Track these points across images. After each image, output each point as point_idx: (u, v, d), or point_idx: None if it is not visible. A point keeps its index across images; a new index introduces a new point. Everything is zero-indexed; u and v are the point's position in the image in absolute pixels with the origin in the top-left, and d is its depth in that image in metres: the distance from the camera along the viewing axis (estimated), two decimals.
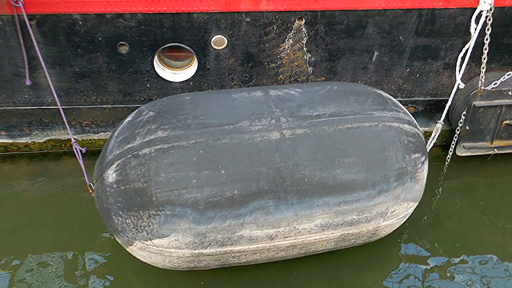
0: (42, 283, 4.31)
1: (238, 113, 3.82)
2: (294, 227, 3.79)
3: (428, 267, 4.63)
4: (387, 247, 4.75)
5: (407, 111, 4.25)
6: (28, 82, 4.69)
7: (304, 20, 4.64)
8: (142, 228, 3.64)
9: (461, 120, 5.20)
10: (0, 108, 4.99)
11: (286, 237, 3.85)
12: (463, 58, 4.87)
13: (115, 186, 3.65)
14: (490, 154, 5.50)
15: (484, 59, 4.84)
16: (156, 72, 4.84)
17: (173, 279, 4.35)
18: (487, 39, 4.72)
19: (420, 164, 4.03)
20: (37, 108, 5.05)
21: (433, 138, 5.06)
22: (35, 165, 5.41)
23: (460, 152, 5.41)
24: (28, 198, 5.07)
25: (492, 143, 5.40)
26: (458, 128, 5.25)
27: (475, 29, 4.63)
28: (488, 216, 5.14)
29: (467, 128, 5.24)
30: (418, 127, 4.22)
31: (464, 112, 5.15)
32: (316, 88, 4.16)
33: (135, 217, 3.62)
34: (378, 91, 4.26)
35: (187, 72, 4.94)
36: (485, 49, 4.79)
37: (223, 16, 4.51)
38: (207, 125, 3.71)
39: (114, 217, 3.69)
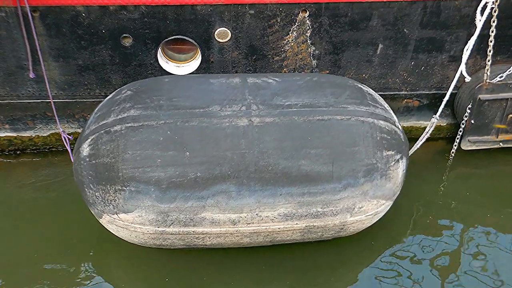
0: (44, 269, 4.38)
1: (211, 97, 3.90)
2: (257, 214, 3.81)
3: (427, 262, 4.61)
4: (381, 239, 4.74)
5: (388, 108, 4.20)
6: (31, 75, 4.68)
7: (308, 12, 4.62)
8: (109, 202, 3.75)
9: (466, 114, 5.15)
10: (4, 101, 4.99)
11: (249, 223, 3.86)
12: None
13: (87, 159, 3.78)
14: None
15: (490, 51, 4.79)
16: (159, 65, 4.83)
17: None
18: (492, 31, 4.68)
19: (393, 162, 3.94)
20: (41, 102, 5.04)
21: (427, 133, 4.85)
22: (39, 158, 5.41)
23: (465, 146, 5.38)
24: (32, 191, 5.08)
25: (497, 137, 5.36)
26: (463, 121, 5.21)
27: (481, 20, 4.58)
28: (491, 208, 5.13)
29: (472, 121, 5.20)
30: (398, 124, 4.15)
31: (469, 106, 5.10)
32: (295, 78, 4.21)
33: (103, 191, 3.74)
34: (360, 85, 4.24)
35: (191, 65, 4.93)
36: (491, 41, 4.75)
37: (226, 8, 4.49)
38: (178, 107, 3.81)
39: (86, 189, 3.83)
